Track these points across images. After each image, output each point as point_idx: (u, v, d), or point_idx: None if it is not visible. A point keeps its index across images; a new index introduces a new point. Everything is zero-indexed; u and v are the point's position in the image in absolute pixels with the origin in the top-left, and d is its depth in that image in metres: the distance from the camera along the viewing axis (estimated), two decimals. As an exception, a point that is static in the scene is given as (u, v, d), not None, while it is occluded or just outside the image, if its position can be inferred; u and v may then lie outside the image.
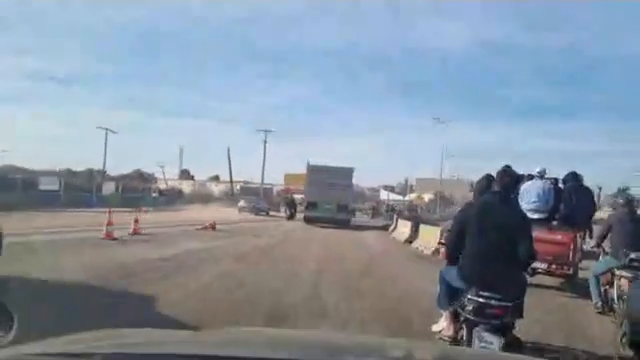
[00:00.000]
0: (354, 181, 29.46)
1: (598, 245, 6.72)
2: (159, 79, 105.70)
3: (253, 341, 1.83)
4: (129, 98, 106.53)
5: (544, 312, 6.14)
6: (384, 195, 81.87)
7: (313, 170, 26.21)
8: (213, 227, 16.87)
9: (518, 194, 5.81)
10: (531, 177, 8.34)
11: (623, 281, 5.96)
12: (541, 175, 8.42)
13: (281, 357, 1.50)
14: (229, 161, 53.53)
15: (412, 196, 78.24)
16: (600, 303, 6.47)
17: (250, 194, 49.58)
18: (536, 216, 7.39)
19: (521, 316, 3.83)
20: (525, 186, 7.80)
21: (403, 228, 18.68)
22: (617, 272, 6.14)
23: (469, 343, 3.69)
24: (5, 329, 1.47)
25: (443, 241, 4.92)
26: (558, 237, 7.65)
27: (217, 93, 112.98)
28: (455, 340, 4.00)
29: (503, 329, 3.66)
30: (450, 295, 4.13)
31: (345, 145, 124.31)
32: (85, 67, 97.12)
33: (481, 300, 3.67)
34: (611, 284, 6.33)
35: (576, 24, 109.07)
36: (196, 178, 69.31)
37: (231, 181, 49.11)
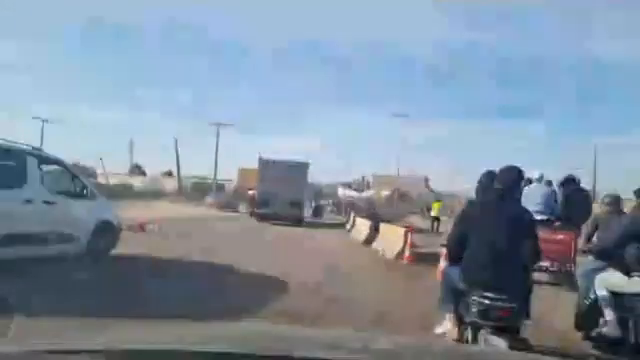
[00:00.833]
0: (312, 177, 27.55)
1: (586, 245, 6.72)
2: (112, 71, 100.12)
3: (256, 336, 1.81)
4: (75, 89, 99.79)
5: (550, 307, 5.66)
6: (341, 192, 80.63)
7: (265, 165, 24.39)
8: (143, 228, 13.83)
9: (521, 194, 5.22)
10: (530, 181, 8.38)
11: None
12: (540, 180, 8.82)
13: (283, 353, 1.41)
14: (177, 154, 49.49)
15: (370, 192, 77.31)
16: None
17: (201, 190, 46.62)
18: (539, 217, 7.25)
19: (528, 317, 3.71)
20: (527, 190, 7.59)
21: (362, 227, 16.74)
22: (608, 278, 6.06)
23: (474, 344, 3.54)
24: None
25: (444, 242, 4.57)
26: (560, 237, 7.84)
27: (171, 85, 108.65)
28: (460, 340, 3.80)
29: (509, 331, 3.49)
30: (453, 296, 3.93)
31: (302, 141, 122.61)
32: (24, 54, 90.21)
33: (486, 302, 3.51)
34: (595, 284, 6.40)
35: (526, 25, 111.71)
36: (150, 173, 65.19)
37: (179, 175, 45.44)
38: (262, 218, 23.21)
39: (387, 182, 73.26)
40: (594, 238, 6.27)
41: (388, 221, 29.16)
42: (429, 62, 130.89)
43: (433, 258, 10.72)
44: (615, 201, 6.41)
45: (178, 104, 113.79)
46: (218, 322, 3.49)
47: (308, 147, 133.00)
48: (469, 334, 3.69)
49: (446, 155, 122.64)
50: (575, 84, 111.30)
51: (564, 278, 7.77)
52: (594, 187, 47.86)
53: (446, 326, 4.07)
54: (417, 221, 36.25)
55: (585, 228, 7.25)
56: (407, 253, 11.24)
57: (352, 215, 22.85)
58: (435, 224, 24.21)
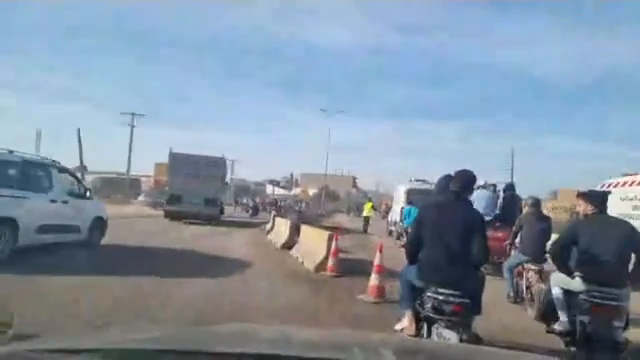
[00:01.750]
0: (240, 174, 24.93)
1: (512, 242, 7.39)
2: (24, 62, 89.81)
3: (252, 337, 1.81)
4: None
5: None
6: (269, 189, 77.95)
7: (177, 159, 21.57)
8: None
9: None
10: (477, 187, 8.77)
11: (531, 273, 6.73)
12: (484, 186, 10.17)
13: (279, 353, 1.44)
14: (80, 145, 42.94)
15: (297, 190, 75.29)
16: (512, 293, 7.14)
17: (112, 186, 41.77)
18: (486, 219, 6.53)
19: (479, 312, 3.82)
20: (475, 194, 7.39)
21: (281, 227, 14.23)
22: (526, 266, 6.91)
23: (429, 338, 3.65)
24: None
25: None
26: (499, 234, 8.27)
27: (85, 77, 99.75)
28: (417, 336, 3.85)
29: (461, 325, 3.62)
30: (411, 294, 4.02)
31: (230, 136, 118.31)
32: None
33: (439, 297, 3.65)
34: (521, 276, 7.06)
35: (448, 30, 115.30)
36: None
37: (82, 167, 39.87)
38: (174, 217, 20.65)
39: (316, 180, 71.66)
40: (518, 236, 7.24)
41: (314, 221, 27.45)
42: (359, 64, 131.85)
43: (363, 267, 8.50)
44: (536, 203, 7.44)
45: (85, 92, 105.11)
46: (217, 324, 3.48)
47: (237, 143, 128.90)
48: (424, 329, 3.79)
49: (373, 155, 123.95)
50: (497, 88, 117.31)
51: (499, 270, 7.90)
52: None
53: (404, 322, 4.08)
54: (345, 220, 34.51)
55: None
56: (330, 263, 8.91)
57: (273, 214, 20.24)
58: (366, 225, 22.05)
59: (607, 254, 4.18)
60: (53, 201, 8.87)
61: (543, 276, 6.42)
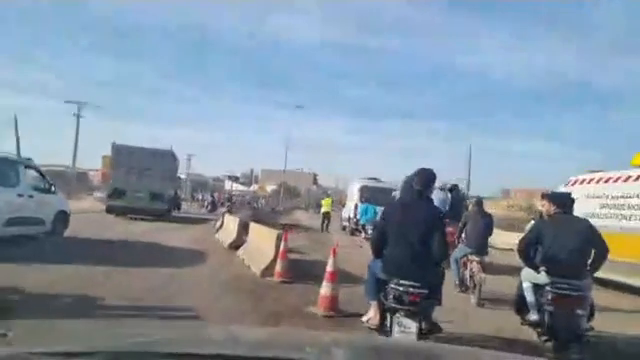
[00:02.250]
0: (198, 169, 23.49)
1: (459, 236, 7.98)
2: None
3: (249, 339, 1.82)
4: None
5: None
6: (228, 185, 75.78)
7: (120, 151, 20.06)
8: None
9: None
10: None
11: (474, 264, 7.37)
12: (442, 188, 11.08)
13: (276, 355, 1.42)
14: (17, 135, 39.56)
15: (256, 186, 73.54)
16: (458, 282, 7.77)
17: (58, 179, 38.85)
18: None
19: (439, 303, 4.05)
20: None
21: (231, 225, 12.91)
22: (470, 257, 7.55)
23: (391, 329, 3.84)
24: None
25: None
26: (449, 229, 7.57)
27: (32, 66, 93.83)
28: (381, 328, 4.06)
29: (421, 315, 3.83)
30: (376, 286, 4.17)
31: (188, 131, 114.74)
32: None
33: (400, 288, 3.83)
34: (465, 267, 7.70)
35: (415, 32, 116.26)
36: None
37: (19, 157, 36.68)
38: (117, 212, 19.26)
39: (276, 177, 70.27)
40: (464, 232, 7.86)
41: (271, 218, 26.15)
42: (324, 61, 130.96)
43: (317, 271, 7.36)
44: (479, 202, 8.31)
45: (26, 80, 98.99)
46: (215, 325, 3.50)
47: (195, 138, 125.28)
48: (388, 319, 3.95)
49: (334, 153, 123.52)
50: (456, 90, 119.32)
51: (448, 262, 7.91)
52: (468, 184, 50.21)
53: (370, 313, 4.25)
54: (304, 217, 33.37)
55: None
56: (279, 267, 7.73)
57: (223, 210, 18.86)
58: (325, 222, 20.52)
59: (568, 250, 4.53)
60: (20, 195, 9.35)
61: (484, 266, 7.35)
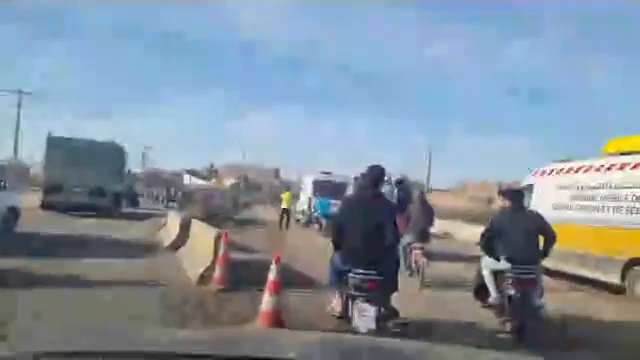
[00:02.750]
0: (154, 164, 21.98)
1: (405, 226, 8.02)
2: None
3: (252, 340, 1.79)
4: None
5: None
6: (187, 180, 73.06)
7: (56, 144, 18.55)
8: None
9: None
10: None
11: (417, 251, 8.02)
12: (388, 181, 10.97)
13: (274, 356, 1.40)
14: None
15: (214, 181, 71.24)
16: (405, 267, 7.89)
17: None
18: None
19: (396, 289, 4.36)
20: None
21: (173, 223, 11.52)
22: (413, 244, 8.17)
23: (352, 313, 4.13)
24: None
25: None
26: (398, 220, 7.38)
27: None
28: (343, 315, 4.34)
29: (379, 300, 4.07)
30: (338, 276, 4.41)
31: (146, 124, 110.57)
32: None
33: (358, 277, 4.12)
34: (410, 253, 8.22)
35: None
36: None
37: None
38: (55, 208, 17.61)
39: (237, 171, 68.50)
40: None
41: (227, 213, 24.68)
42: (284, 54, 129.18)
43: (266, 275, 6.19)
44: (422, 195, 9.48)
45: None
46: (213, 327, 3.56)
47: (154, 131, 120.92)
48: (349, 306, 4.22)
49: (297, 147, 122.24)
50: (416, 85, 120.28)
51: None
52: (428, 178, 50.39)
53: (333, 302, 4.59)
54: (263, 212, 32.02)
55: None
56: (218, 272, 6.52)
57: (174, 205, 17.38)
58: (285, 217, 18.68)
59: (524, 239, 5.10)
60: None
61: (426, 253, 8.03)
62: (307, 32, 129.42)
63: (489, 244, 5.33)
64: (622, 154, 8.38)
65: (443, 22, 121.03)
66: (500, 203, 5.83)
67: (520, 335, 4.84)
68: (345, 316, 4.33)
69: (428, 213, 8.60)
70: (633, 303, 7.26)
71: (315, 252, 10.45)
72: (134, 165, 58.37)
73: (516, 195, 5.66)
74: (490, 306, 5.38)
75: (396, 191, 11.04)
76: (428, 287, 7.61)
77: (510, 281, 5.04)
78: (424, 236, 8.29)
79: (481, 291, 5.59)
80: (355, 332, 3.95)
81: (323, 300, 6.16)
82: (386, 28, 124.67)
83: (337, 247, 4.48)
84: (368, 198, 4.50)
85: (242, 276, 6.91)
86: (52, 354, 1.23)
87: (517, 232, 5.15)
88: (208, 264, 6.72)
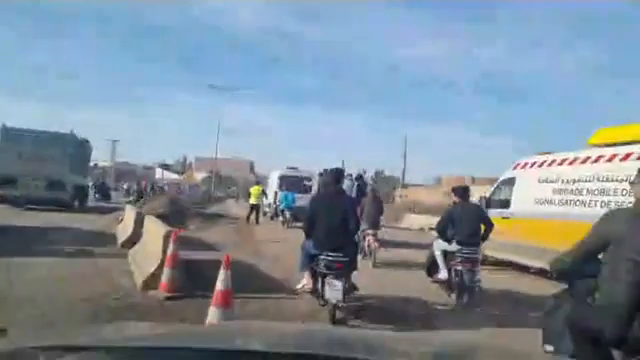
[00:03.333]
0: (128, 158, 21.15)
1: (360, 215, 8.31)
2: None
3: (256, 334, 1.69)
4: None
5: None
6: (159, 173, 70.93)
7: (10, 135, 17.68)
8: None
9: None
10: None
11: (370, 237, 9.31)
12: (347, 177, 12.28)
13: (285, 350, 1.34)
14: None
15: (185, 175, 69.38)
16: (360, 250, 8.37)
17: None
18: None
19: (356, 268, 5.38)
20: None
21: (129, 219, 10.44)
22: (367, 231, 9.38)
23: (322, 288, 5.01)
24: None
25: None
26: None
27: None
28: (314, 290, 5.22)
29: (344, 276, 5.03)
30: (309, 259, 5.28)
31: (118, 117, 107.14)
32: None
33: (329, 258, 5.03)
34: (364, 239, 9.42)
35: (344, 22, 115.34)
36: None
37: None
38: (8, 201, 16.65)
39: (210, 165, 66.70)
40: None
41: (197, 208, 23.56)
42: (255, 48, 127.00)
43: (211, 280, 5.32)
44: (374, 190, 11.39)
45: None
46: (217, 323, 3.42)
47: (125, 124, 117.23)
48: (319, 283, 5.13)
49: (272, 141, 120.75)
50: (392, 81, 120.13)
51: None
52: (404, 172, 50.08)
53: (304, 281, 5.37)
54: (234, 207, 30.96)
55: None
56: (165, 277, 5.58)
57: (131, 199, 16.28)
58: (254, 213, 17.52)
59: (470, 226, 6.38)
60: None
61: (377, 238, 9.33)
62: (282, 25, 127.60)
63: (443, 230, 6.56)
64: (610, 145, 7.81)
65: (426, 21, 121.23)
66: (453, 198, 6.88)
67: (461, 301, 6.15)
68: (315, 291, 5.22)
69: (378, 205, 9.99)
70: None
71: (281, 247, 10.39)
72: (103, 158, 56.30)
73: (464, 192, 6.84)
74: (438, 280, 6.64)
75: (356, 185, 12.69)
76: (379, 267, 9.02)
77: (459, 259, 6.23)
78: (375, 224, 9.60)
79: (432, 268, 6.82)
80: (323, 304, 5.07)
81: (284, 307, 5.48)
82: (365, 25, 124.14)
83: (308, 236, 5.40)
84: (332, 194, 5.54)
85: (197, 279, 6.01)
86: (50, 348, 1.19)
87: (465, 221, 6.37)
88: (155, 267, 5.77)
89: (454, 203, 6.76)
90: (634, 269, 2.32)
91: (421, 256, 7.89)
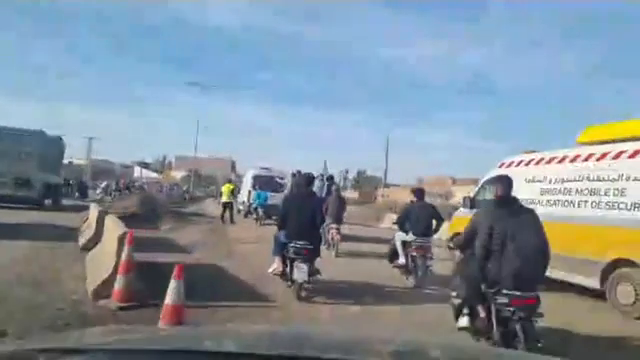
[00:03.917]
0: (106, 156, 20.77)
1: (325, 212, 8.88)
2: None
3: (254, 337, 1.69)
4: None
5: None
6: (138, 172, 69.25)
7: None
8: None
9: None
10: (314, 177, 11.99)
11: (333, 230, 10.41)
12: (318, 177, 13.47)
13: (284, 353, 1.30)
14: None
15: (171, 174, 67.82)
16: (324, 242, 9.25)
17: None
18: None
19: (319, 255, 6.40)
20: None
21: (93, 221, 9.65)
22: (330, 225, 10.37)
23: (291, 271, 6.10)
24: None
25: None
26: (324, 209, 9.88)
27: None
28: (284, 273, 6.29)
29: (310, 261, 6.09)
30: (280, 247, 6.34)
31: (97, 114, 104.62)
32: None
33: (298, 246, 6.10)
34: (328, 232, 10.45)
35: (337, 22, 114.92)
36: None
37: None
38: None
39: (190, 163, 65.39)
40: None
41: (175, 207, 22.72)
42: (239, 46, 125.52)
43: (197, 281, 4.77)
44: (337, 189, 12.29)
45: None
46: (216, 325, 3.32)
47: (105, 122, 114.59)
48: (289, 266, 6.20)
49: (253, 140, 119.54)
50: (376, 82, 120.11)
51: None
52: (386, 171, 49.83)
53: (274, 265, 6.42)
54: (212, 206, 30.10)
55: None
56: (118, 285, 4.92)
57: (98, 198, 15.49)
58: (227, 213, 16.85)
59: (423, 220, 7.56)
60: None
61: (339, 232, 10.49)
62: (266, 23, 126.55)
63: (402, 224, 7.78)
64: (600, 143, 7.42)
65: (410, 22, 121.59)
66: (412, 198, 8.16)
67: (414, 282, 7.38)
68: (285, 274, 6.27)
69: (342, 203, 11.34)
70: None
71: (254, 248, 10.36)
72: (78, 156, 54.57)
73: (420, 193, 8.17)
74: (398, 265, 7.75)
75: (326, 185, 13.75)
76: (341, 257, 10.10)
77: (414, 247, 7.44)
78: (338, 220, 10.73)
79: (392, 256, 7.92)
80: (291, 285, 6.11)
81: (254, 315, 5.15)
82: (348, 26, 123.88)
83: (281, 228, 6.46)
84: (303, 195, 6.71)
85: (157, 286, 5.34)
86: (50, 350, 1.18)
87: (420, 217, 7.57)
88: (109, 272, 5.10)
89: (412, 202, 8.11)
90: (485, 241, 4.02)
91: (382, 248, 9.11)
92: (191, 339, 1.53)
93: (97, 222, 8.42)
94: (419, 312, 5.82)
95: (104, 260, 5.76)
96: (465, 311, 4.26)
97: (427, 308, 5.93)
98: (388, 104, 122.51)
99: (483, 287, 3.98)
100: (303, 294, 5.94)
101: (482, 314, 4.10)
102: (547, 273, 7.67)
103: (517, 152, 9.70)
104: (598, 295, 6.92)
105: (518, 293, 3.79)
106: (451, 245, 5.35)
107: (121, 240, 5.14)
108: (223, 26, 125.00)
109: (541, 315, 3.70)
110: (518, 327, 3.69)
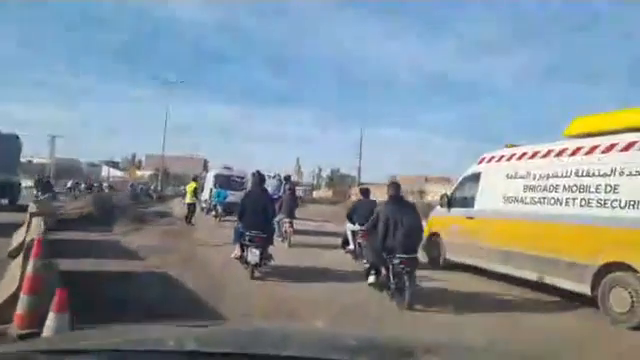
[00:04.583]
0: (73, 154, 20.08)
1: (280, 207, 11.44)
2: None
3: (256, 338, 1.69)
4: None
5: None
6: (105, 171, 66.69)
7: None
8: None
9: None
10: (269, 177, 14.35)
11: (286, 224, 11.58)
12: (273, 177, 15.97)
13: (287, 354, 1.32)
14: None
15: (140, 173, 65.49)
16: (278, 234, 10.91)
17: None
18: (275, 196, 11.58)
19: (272, 243, 7.73)
20: (268, 182, 11.89)
21: (35, 224, 8.43)
22: (284, 220, 11.60)
23: (247, 256, 7.21)
24: None
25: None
26: (277, 204, 11.35)
27: None
28: (241, 257, 7.44)
29: (262, 247, 7.25)
30: (239, 236, 7.51)
31: (61, 112, 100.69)
32: None
33: (252, 234, 7.25)
34: (282, 225, 11.59)
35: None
36: None
37: None
38: None
39: (161, 162, 63.35)
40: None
41: (140, 207, 21.37)
42: (203, 42, 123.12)
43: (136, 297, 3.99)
44: (292, 188, 13.74)
45: None
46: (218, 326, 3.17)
47: (70, 119, 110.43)
48: (245, 252, 7.29)
49: (226, 138, 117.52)
50: (347, 81, 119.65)
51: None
52: (359, 169, 49.36)
53: (235, 251, 7.61)
54: (179, 206, 28.71)
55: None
56: (21, 308, 3.86)
57: (38, 198, 14.44)
58: (190, 214, 15.70)
59: (366, 213, 7.87)
60: None
61: (292, 226, 11.78)
62: (234, 22, 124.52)
63: (350, 216, 9.24)
64: (590, 136, 6.78)
65: (383, 20, 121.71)
66: (358, 195, 10.10)
67: (359, 263, 8.04)
68: (241, 258, 7.44)
69: (294, 200, 12.91)
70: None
71: (212, 252, 9.86)
72: (41, 155, 52.04)
73: (366, 192, 9.86)
74: (349, 251, 9.31)
75: (284, 184, 14.55)
76: (294, 247, 11.12)
77: (360, 234, 8.18)
78: (291, 214, 11.92)
79: (344, 243, 9.58)
80: (247, 267, 7.28)
81: None
82: (317, 25, 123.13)
83: (240, 220, 7.71)
84: (258, 192, 7.97)
85: (82, 303, 4.35)
86: (52, 352, 1.19)
87: (364, 210, 8.40)
88: (11, 290, 4.06)
89: (359, 200, 10.12)
90: (383, 225, 6.22)
91: (335, 241, 10.65)
92: (191, 339, 1.50)
93: (27, 226, 7.29)
94: (353, 280, 7.27)
95: (16, 273, 4.70)
96: (372, 272, 6.53)
97: (360, 282, 6.88)
98: (362, 103, 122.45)
99: (384, 254, 6.17)
100: (256, 274, 7.19)
101: (384, 272, 6.29)
102: (526, 275, 7.15)
103: (487, 150, 9.07)
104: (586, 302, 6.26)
105: (405, 256, 5.97)
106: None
107: (27, 251, 4.09)
108: (184, 18, 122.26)
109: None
110: (406, 277, 5.85)
